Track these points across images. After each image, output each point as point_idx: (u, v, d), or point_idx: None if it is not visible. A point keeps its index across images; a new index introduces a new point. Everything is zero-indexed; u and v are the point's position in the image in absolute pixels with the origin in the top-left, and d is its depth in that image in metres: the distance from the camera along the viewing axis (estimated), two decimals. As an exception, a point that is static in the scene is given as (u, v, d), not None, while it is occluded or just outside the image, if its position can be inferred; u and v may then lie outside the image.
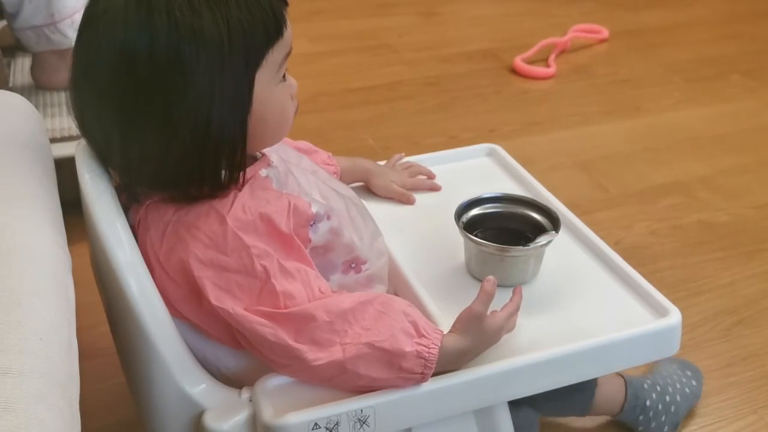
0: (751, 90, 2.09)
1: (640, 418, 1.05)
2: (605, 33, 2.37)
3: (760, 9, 2.62)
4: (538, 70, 2.14)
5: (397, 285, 0.91)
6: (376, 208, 0.96)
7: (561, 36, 2.29)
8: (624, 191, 1.63)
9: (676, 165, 1.73)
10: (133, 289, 0.73)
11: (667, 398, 1.06)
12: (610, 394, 1.03)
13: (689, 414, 1.10)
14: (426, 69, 2.17)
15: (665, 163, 1.74)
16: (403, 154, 1.14)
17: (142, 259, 0.74)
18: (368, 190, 1.07)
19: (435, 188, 1.09)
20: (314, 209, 0.78)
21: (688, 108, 2.00)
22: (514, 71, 2.15)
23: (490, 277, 0.80)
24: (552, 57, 2.20)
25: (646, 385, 1.06)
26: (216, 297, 0.72)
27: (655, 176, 1.68)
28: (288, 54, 0.75)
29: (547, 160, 1.72)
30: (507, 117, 1.93)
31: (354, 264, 0.83)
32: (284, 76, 0.77)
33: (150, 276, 0.74)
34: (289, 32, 0.74)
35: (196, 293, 0.74)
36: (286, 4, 0.75)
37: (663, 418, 1.05)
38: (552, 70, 2.14)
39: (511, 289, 0.84)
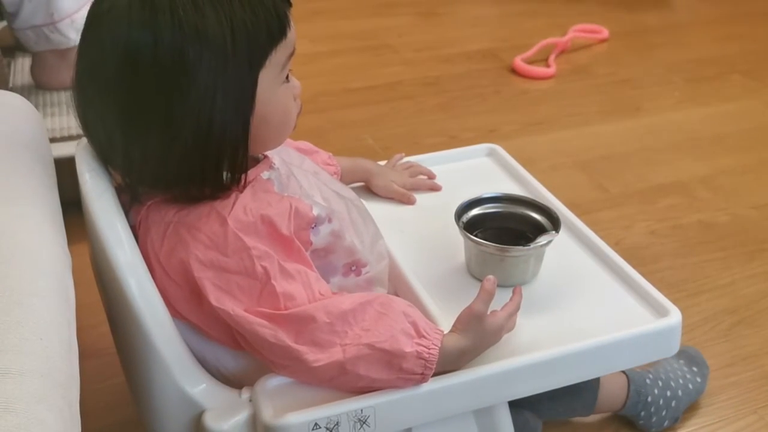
0: (752, 90, 2.09)
1: (642, 413, 1.05)
2: (605, 33, 2.37)
3: (760, 9, 2.62)
4: (538, 70, 2.14)
5: (398, 285, 0.91)
6: (376, 208, 0.96)
7: (561, 36, 2.29)
8: (624, 191, 1.63)
9: (676, 165, 1.73)
10: (133, 290, 0.73)
11: (669, 393, 1.06)
12: (613, 393, 1.04)
13: (690, 414, 1.10)
14: (426, 69, 2.17)
15: (665, 163, 1.74)
16: (404, 154, 1.14)
17: (142, 259, 0.74)
18: (369, 190, 1.07)
19: (435, 188, 1.09)
20: (315, 212, 0.78)
21: (688, 108, 2.00)
22: (514, 71, 2.15)
23: (491, 276, 0.80)
24: (552, 57, 2.20)
25: (648, 380, 1.06)
26: (216, 298, 0.72)
27: (655, 176, 1.68)
28: (291, 54, 0.75)
29: (547, 160, 1.72)
30: (507, 117, 1.93)
31: (354, 267, 0.83)
32: (287, 77, 0.77)
33: (150, 276, 0.74)
34: (292, 33, 0.74)
35: (197, 294, 0.74)
36: (290, 4, 0.75)
37: (664, 413, 1.06)
38: (552, 70, 2.14)
39: (511, 289, 0.84)
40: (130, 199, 0.77)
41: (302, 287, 0.74)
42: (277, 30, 0.72)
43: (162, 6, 0.68)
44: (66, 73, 1.48)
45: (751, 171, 1.71)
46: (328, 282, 0.80)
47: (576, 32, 2.33)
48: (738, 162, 1.74)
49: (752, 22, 2.54)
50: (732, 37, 2.42)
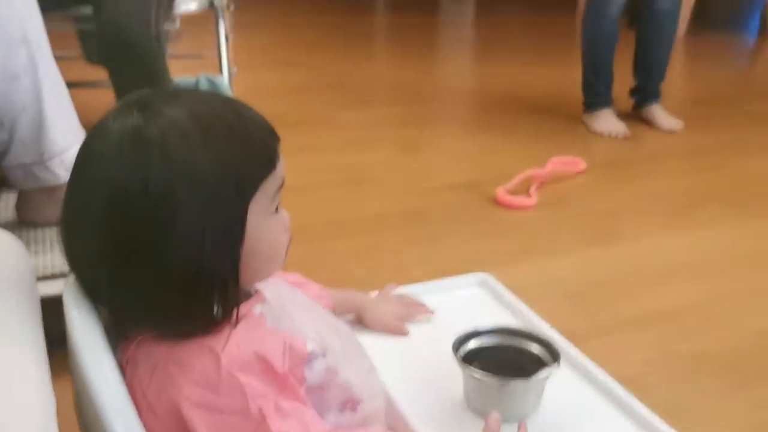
0: (729, 217, 2.13)
1: None
2: (582, 165, 2.43)
3: (727, 140, 2.71)
4: (520, 200, 2.17)
5: (394, 422, 0.87)
6: (369, 341, 0.94)
7: (541, 168, 2.35)
8: (614, 319, 1.62)
9: (663, 293, 1.73)
10: (118, 432, 0.69)
11: None
12: None
13: None
14: (410, 201, 2.20)
15: (652, 291, 1.74)
16: (395, 284, 1.13)
17: (129, 399, 0.71)
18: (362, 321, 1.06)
19: (427, 313, 1.07)
20: (310, 347, 0.76)
21: (670, 236, 2.02)
22: (497, 202, 2.18)
23: (495, 414, 0.77)
24: (533, 188, 2.24)
25: None
26: (207, 439, 0.69)
27: (642, 304, 1.68)
28: (280, 187, 0.76)
29: (533, 289, 1.71)
30: (491, 246, 1.94)
31: (350, 403, 0.80)
32: (276, 209, 0.77)
33: (137, 417, 0.71)
34: (281, 166, 0.75)
35: (186, 435, 0.70)
36: (278, 139, 0.76)
37: None
38: (533, 200, 2.18)
39: (511, 424, 0.82)
40: (117, 335, 0.75)
41: (298, 425, 0.71)
42: (266, 165, 0.73)
43: (152, 144, 0.68)
44: (51, 209, 1.48)
45: (737, 297, 1.71)
46: (323, 418, 0.77)
47: (555, 164, 2.39)
48: (725, 288, 1.74)
49: (722, 151, 2.62)
50: (705, 167, 2.49)
